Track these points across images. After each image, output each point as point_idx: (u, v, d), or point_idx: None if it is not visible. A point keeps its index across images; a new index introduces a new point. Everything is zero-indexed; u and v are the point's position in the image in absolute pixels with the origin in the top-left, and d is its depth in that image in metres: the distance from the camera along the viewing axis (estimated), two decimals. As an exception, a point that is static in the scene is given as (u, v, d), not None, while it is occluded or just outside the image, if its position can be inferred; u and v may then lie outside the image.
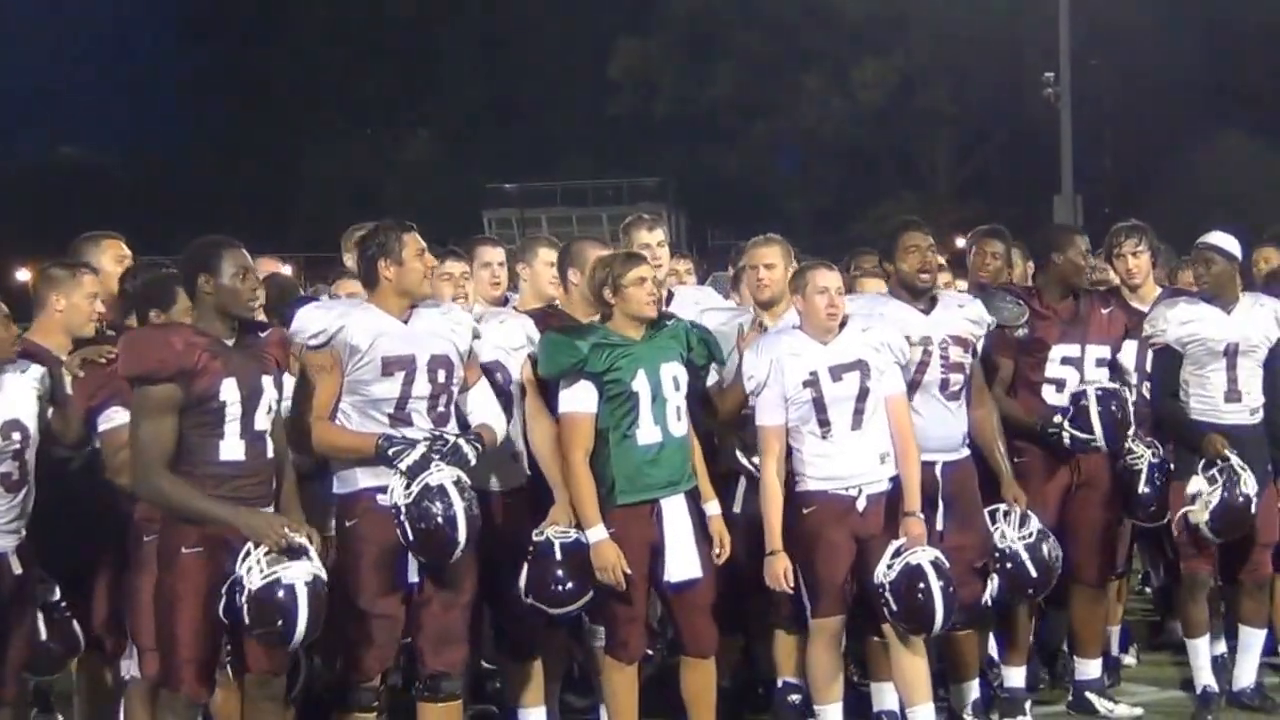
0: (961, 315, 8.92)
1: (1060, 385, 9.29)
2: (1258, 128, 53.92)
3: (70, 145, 73.93)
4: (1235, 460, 9.14)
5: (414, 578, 7.63)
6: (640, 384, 8.12)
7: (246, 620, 7.10)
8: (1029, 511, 8.98)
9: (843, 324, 8.45)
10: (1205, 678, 9.50)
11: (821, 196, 63.11)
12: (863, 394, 8.36)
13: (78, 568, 8.14)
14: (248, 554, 7.12)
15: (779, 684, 9.29)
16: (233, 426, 7.24)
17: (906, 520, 8.36)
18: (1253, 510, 9.17)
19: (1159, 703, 9.81)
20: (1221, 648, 9.98)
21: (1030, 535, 8.92)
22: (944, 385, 8.82)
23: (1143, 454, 9.52)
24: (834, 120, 62.33)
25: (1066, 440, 9.13)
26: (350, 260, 9.42)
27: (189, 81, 73.67)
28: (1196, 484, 9.19)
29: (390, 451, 7.47)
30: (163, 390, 7.14)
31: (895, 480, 8.42)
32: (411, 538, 7.43)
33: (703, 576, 8.23)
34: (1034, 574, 8.91)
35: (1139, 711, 9.57)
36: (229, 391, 7.22)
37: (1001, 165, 60.27)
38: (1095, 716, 9.50)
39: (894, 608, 8.26)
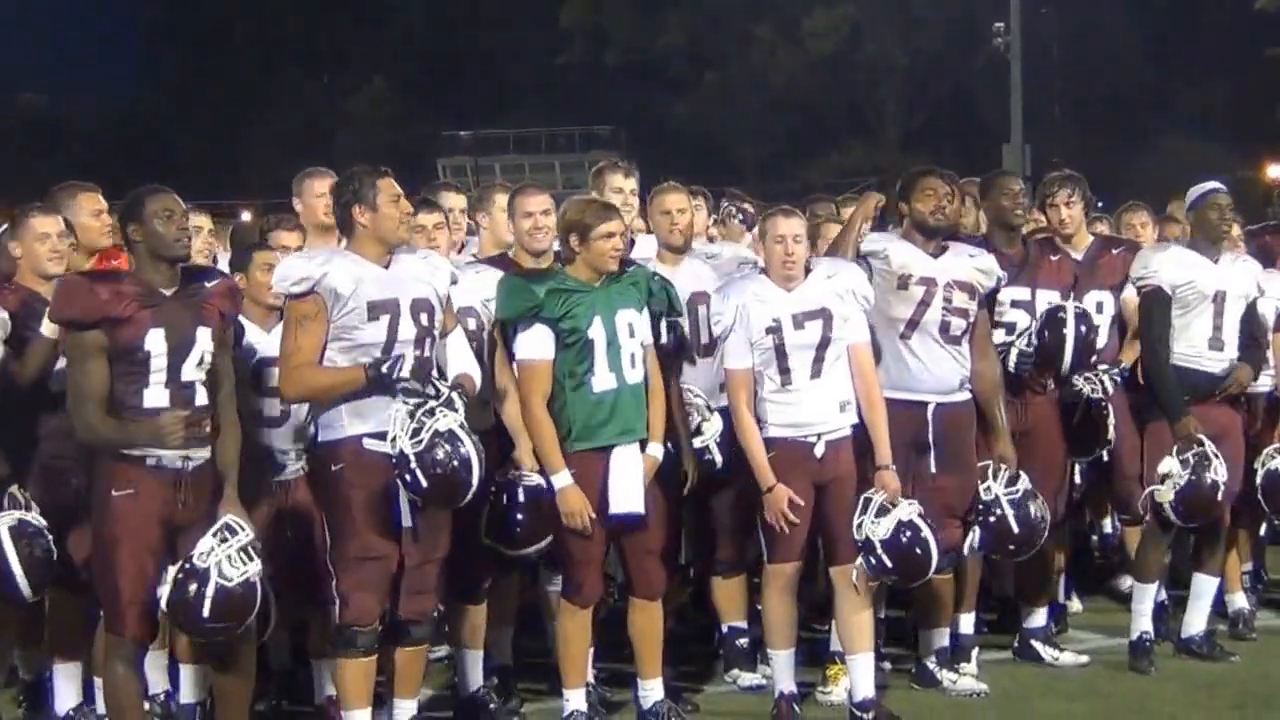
0: (971, 264, 9.00)
1: (1011, 329, 9.35)
2: (1208, 77, 54.13)
3: (33, 92, 73.46)
4: (1209, 446, 9.27)
5: (408, 522, 7.64)
6: (596, 331, 8.13)
7: (205, 612, 7.20)
8: (1019, 472, 9.06)
9: (808, 270, 8.52)
10: (1144, 624, 9.60)
11: (771, 145, 63.13)
12: (824, 343, 8.41)
13: (66, 504, 8.12)
14: (209, 547, 7.22)
15: (725, 629, 9.39)
16: (157, 376, 7.29)
17: (881, 474, 8.44)
18: (1219, 498, 9.32)
19: (1105, 650, 9.90)
20: (1162, 595, 10.06)
21: (1017, 492, 9.01)
22: (944, 328, 8.89)
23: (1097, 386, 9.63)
24: (783, 69, 62.28)
25: (1012, 359, 9.26)
26: (299, 205, 9.42)
27: (148, 30, 73.39)
28: (1169, 465, 9.30)
29: (385, 369, 7.47)
30: (90, 336, 7.23)
31: (856, 427, 8.49)
32: (425, 485, 7.43)
33: (650, 518, 8.25)
34: (1016, 530, 8.99)
35: (1084, 659, 9.66)
36: (154, 342, 7.27)
37: (951, 115, 60.38)
38: (1040, 664, 9.59)
39: (888, 564, 8.32)
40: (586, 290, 8.18)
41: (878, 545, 8.30)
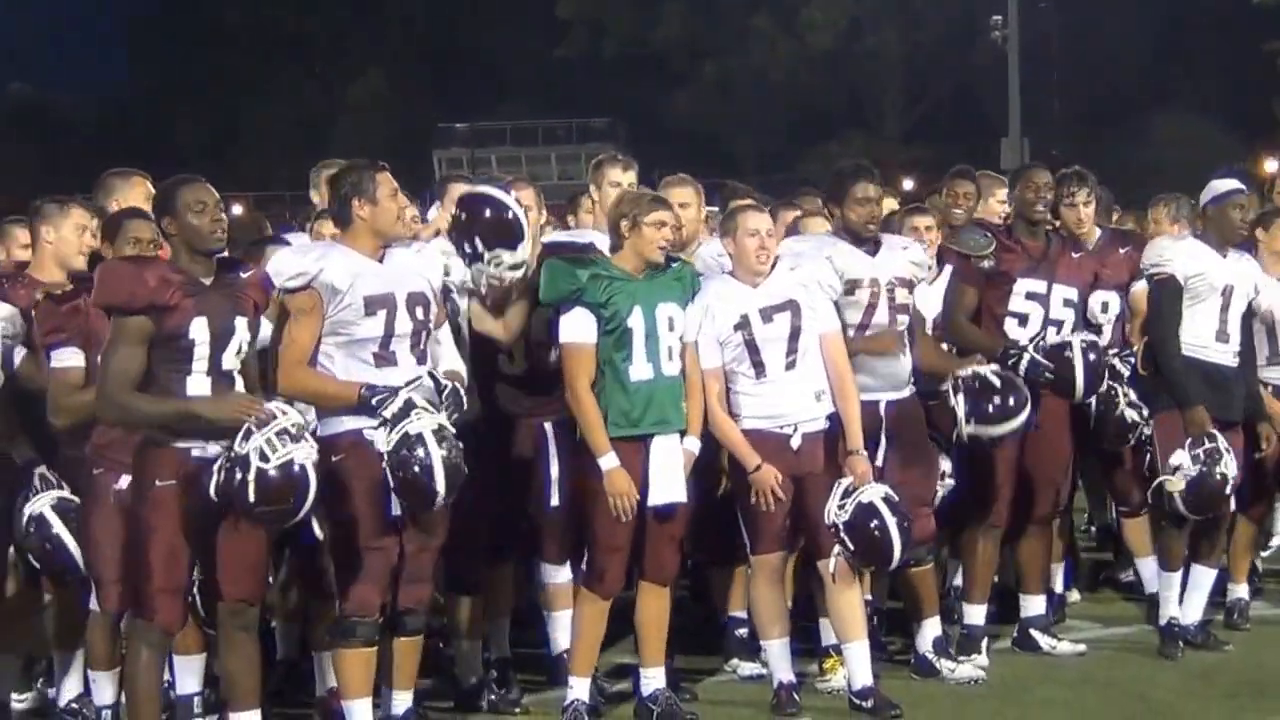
0: (905, 258, 8.99)
1: (1023, 320, 9.38)
2: (1206, 71, 54.16)
3: (22, 83, 73.45)
4: (1221, 442, 9.28)
5: (396, 510, 7.64)
6: (635, 320, 8.17)
7: (251, 498, 7.12)
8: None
9: (773, 264, 8.53)
10: (1173, 609, 9.65)
11: (769, 138, 63.14)
12: (794, 334, 8.45)
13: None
14: (249, 433, 7.15)
15: (725, 619, 9.45)
16: (200, 364, 7.31)
17: (851, 459, 8.47)
18: (1228, 491, 9.34)
19: (1102, 639, 9.94)
20: (1155, 586, 10.04)
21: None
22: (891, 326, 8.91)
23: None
24: (782, 62, 62.32)
25: (1024, 364, 9.22)
26: (317, 198, 9.46)
27: (140, 20, 73.35)
28: (1180, 457, 9.32)
29: (374, 400, 7.48)
30: (135, 322, 7.22)
31: (831, 418, 8.53)
32: (395, 485, 7.48)
33: (683, 504, 8.27)
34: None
35: (1082, 648, 9.68)
36: (198, 330, 7.28)
37: (949, 108, 60.42)
38: (1039, 653, 9.61)
39: (851, 547, 8.37)
40: (629, 280, 8.22)
41: (841, 528, 8.35)
